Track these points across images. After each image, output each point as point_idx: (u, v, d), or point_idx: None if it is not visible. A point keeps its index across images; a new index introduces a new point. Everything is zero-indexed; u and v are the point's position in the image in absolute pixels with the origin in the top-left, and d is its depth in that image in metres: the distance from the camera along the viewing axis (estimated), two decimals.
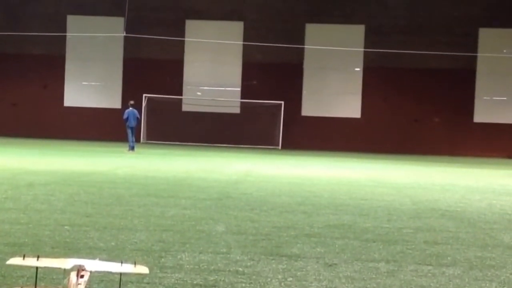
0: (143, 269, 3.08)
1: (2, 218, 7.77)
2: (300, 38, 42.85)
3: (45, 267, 3.03)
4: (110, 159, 22.35)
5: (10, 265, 3.14)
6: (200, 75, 43.92)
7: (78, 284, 2.89)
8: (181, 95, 43.77)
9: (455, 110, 42.49)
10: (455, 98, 42.42)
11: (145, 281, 4.91)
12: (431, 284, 5.28)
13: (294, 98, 43.04)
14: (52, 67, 43.91)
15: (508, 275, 5.76)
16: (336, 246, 6.80)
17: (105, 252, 5.96)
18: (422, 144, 41.86)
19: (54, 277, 4.85)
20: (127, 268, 3.01)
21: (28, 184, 11.95)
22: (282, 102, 42.23)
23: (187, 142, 41.40)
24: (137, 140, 33.18)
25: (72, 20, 44.00)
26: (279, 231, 7.57)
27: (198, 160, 24.11)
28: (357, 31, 42.95)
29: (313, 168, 21.32)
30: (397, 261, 6.12)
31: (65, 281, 2.96)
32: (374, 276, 5.47)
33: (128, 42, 42.53)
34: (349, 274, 5.50)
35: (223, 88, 43.98)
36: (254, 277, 5.25)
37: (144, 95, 41.80)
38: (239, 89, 43.86)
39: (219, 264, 5.66)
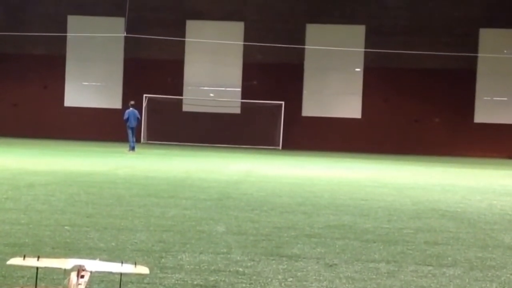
0: (143, 270, 3.08)
1: (3, 218, 7.77)
2: (300, 38, 42.85)
3: (45, 268, 3.03)
4: (111, 160, 22.35)
5: (10, 266, 3.14)
6: (201, 75, 43.92)
7: (79, 284, 2.88)
8: (182, 95, 43.77)
9: (456, 111, 42.49)
10: (456, 99, 42.41)
11: (145, 281, 4.91)
12: (432, 284, 5.28)
13: (294, 98, 43.04)
14: (52, 67, 43.91)
15: (508, 275, 5.76)
16: (337, 246, 6.80)
17: (105, 253, 5.96)
18: (422, 144, 41.85)
19: (54, 277, 4.85)
20: (128, 268, 3.01)
21: (28, 184, 11.95)
22: (283, 103, 42.22)
23: (188, 142, 41.38)
24: (138, 140, 33.17)
25: (72, 20, 44.01)
26: (279, 232, 7.57)
27: (198, 160, 24.10)
28: (358, 32, 42.95)
29: (314, 169, 21.31)
30: (398, 262, 6.12)
31: (66, 281, 2.96)
32: (374, 276, 5.47)
33: (128, 42, 42.52)
34: (349, 274, 5.50)
35: (224, 88, 43.99)
36: (254, 277, 5.25)
37: (144, 95, 41.79)
38: (239, 89, 43.86)
39: (219, 265, 5.66)
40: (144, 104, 41.36)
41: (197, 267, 5.54)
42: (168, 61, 43.40)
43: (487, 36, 42.27)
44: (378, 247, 6.83)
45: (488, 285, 5.36)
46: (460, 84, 42.45)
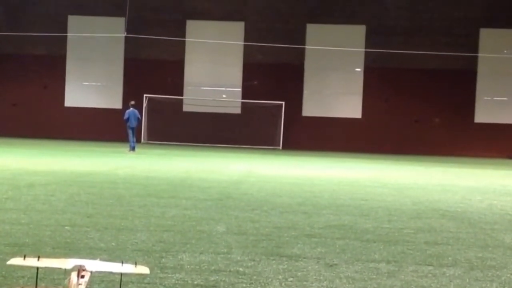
0: (143, 270, 3.08)
1: (3, 218, 7.77)
2: (301, 38, 42.86)
3: (45, 268, 3.03)
4: (111, 160, 22.35)
5: (10, 266, 3.14)
6: (201, 75, 43.94)
7: (79, 284, 2.88)
8: (182, 95, 43.77)
9: (456, 111, 42.50)
10: (456, 99, 42.42)
11: (145, 281, 4.91)
12: (432, 284, 5.28)
13: (294, 98, 43.04)
14: (52, 67, 43.92)
15: (508, 275, 5.76)
16: (337, 246, 6.80)
17: (105, 253, 5.96)
18: (422, 144, 41.85)
19: (54, 277, 4.85)
20: (128, 268, 3.01)
21: (28, 184, 11.95)
22: (283, 103, 42.23)
23: (188, 142, 41.39)
24: (138, 140, 33.18)
25: (72, 20, 44.02)
26: (279, 232, 7.57)
27: (198, 160, 24.10)
28: (358, 32, 42.96)
29: (314, 169, 21.31)
30: (398, 262, 6.12)
31: (66, 281, 2.96)
32: (374, 276, 5.47)
33: (128, 42, 42.53)
34: (349, 274, 5.50)
35: (224, 89, 43.99)
36: (254, 277, 5.25)
37: (144, 95, 41.80)
38: (239, 89, 43.87)
39: (219, 265, 5.66)
40: (144, 104, 41.37)
41: (198, 267, 5.54)
42: (168, 61, 43.41)
43: (487, 36, 42.28)
44: (378, 247, 6.84)
45: (488, 285, 5.36)
46: (460, 84, 42.46)
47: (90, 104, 44.20)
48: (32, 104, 43.90)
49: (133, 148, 28.22)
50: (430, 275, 5.61)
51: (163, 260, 5.76)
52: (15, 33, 42.24)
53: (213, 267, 5.54)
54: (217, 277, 5.21)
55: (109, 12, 43.46)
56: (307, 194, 12.24)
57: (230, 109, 43.53)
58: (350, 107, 43.41)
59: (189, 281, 5.03)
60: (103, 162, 20.77)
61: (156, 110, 42.28)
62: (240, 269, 5.53)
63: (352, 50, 41.93)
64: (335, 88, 43.42)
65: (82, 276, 2.92)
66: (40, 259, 2.98)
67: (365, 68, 43.33)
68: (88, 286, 2.93)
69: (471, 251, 6.87)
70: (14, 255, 4.78)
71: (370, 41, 42.53)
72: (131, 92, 41.07)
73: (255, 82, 43.35)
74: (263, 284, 5.05)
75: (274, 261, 5.89)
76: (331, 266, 5.81)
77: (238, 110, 43.75)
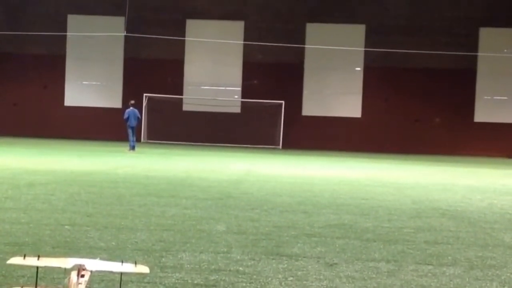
0: (143, 269, 3.08)
1: (3, 217, 7.77)
2: (300, 37, 42.85)
3: (45, 267, 3.03)
4: (111, 159, 22.35)
5: (10, 265, 3.14)
6: (201, 75, 43.93)
7: (79, 283, 2.88)
8: (182, 94, 43.77)
9: (456, 110, 42.50)
10: (456, 98, 42.42)
11: (145, 280, 4.91)
12: (432, 283, 5.28)
13: (294, 97, 43.04)
14: (52, 67, 43.92)
15: (508, 274, 5.76)
16: (337, 245, 6.80)
17: (105, 252, 5.96)
18: (422, 143, 41.85)
19: (54, 276, 4.85)
20: (128, 267, 3.01)
21: (28, 183, 11.95)
22: (283, 102, 42.23)
23: (188, 141, 41.40)
24: (138, 139, 33.18)
25: (72, 20, 44.00)
26: (279, 231, 7.57)
27: (198, 159, 24.10)
28: (358, 31, 42.95)
29: (314, 168, 21.31)
30: (398, 261, 6.12)
31: (66, 280, 2.96)
32: (374, 275, 5.47)
33: (128, 42, 42.52)
34: (349, 273, 5.50)
35: (224, 88, 43.99)
36: (254, 276, 5.25)
37: (144, 94, 41.80)
38: (239, 88, 43.86)
39: (219, 264, 5.66)
40: (144, 104, 41.37)
41: (197, 266, 5.54)
42: (168, 61, 43.40)
43: (487, 36, 42.28)
44: (378, 246, 6.83)
45: (488, 284, 5.36)
46: (460, 84, 42.45)
47: (90, 103, 44.20)
48: (32, 104, 43.90)
49: (133, 148, 28.23)
50: (430, 274, 5.61)
51: (163, 259, 5.76)
52: (15, 32, 42.23)
53: (213, 267, 5.54)
54: (217, 276, 5.21)
55: (109, 11, 43.46)
56: (307, 193, 12.24)
57: (230, 109, 43.54)
58: (350, 106, 43.40)
59: (189, 281, 5.03)
60: (103, 161, 20.77)
61: (156, 110, 42.28)
62: (240, 268, 5.53)
63: (352, 49, 41.93)
64: (335, 87, 43.41)
65: (82, 276, 2.92)
66: (40, 258, 2.98)
67: (365, 68, 43.33)
68: (88, 285, 2.93)
69: (471, 250, 6.87)
70: (14, 254, 4.77)
71: (370, 40, 42.53)
72: (131, 92, 41.07)
73: (255, 82, 43.34)
74: (263, 283, 5.05)
75: (274, 261, 5.89)
76: (331, 265, 5.81)
77: (238, 110, 43.76)
